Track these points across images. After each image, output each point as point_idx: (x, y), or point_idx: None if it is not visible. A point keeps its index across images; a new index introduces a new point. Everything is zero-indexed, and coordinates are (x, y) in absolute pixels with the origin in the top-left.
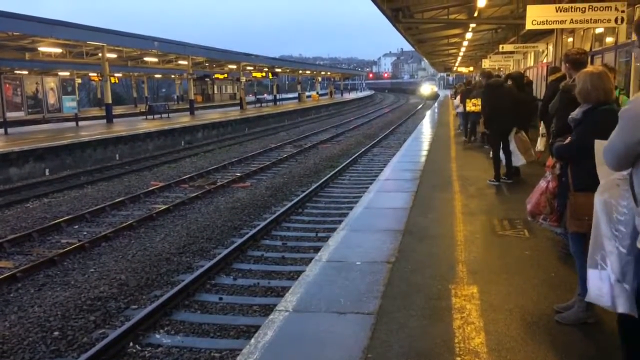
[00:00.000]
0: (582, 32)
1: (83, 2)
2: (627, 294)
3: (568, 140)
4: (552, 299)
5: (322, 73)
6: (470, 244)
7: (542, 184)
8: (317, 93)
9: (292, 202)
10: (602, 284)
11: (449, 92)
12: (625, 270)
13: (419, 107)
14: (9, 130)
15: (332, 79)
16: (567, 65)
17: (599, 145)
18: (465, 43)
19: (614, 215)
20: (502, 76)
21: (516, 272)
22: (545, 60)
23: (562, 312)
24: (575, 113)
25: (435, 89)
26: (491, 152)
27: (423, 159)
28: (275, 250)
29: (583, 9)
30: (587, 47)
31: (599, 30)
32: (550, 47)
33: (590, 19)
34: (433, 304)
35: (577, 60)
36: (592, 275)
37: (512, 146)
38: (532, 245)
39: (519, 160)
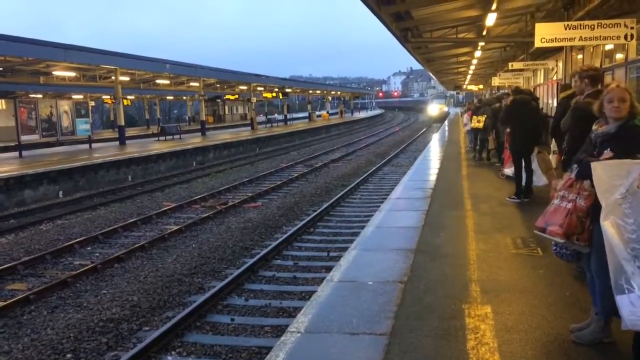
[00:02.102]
0: (591, 49)
1: (100, 25)
2: None
3: (608, 156)
4: (567, 319)
5: (332, 92)
6: (482, 262)
7: (566, 204)
8: (328, 112)
9: (304, 222)
10: (635, 308)
11: (459, 110)
12: None
13: (429, 125)
14: (24, 153)
15: (342, 98)
16: (586, 81)
17: (599, 167)
18: (474, 61)
19: (624, 235)
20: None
21: (530, 291)
22: (555, 78)
23: (578, 332)
24: (609, 127)
25: (445, 108)
26: (502, 170)
27: (434, 177)
28: (286, 270)
29: (592, 26)
30: (597, 64)
31: (609, 47)
32: (560, 64)
33: (600, 36)
34: (446, 324)
35: (596, 77)
36: (622, 301)
37: (535, 165)
38: (546, 263)
39: (540, 180)
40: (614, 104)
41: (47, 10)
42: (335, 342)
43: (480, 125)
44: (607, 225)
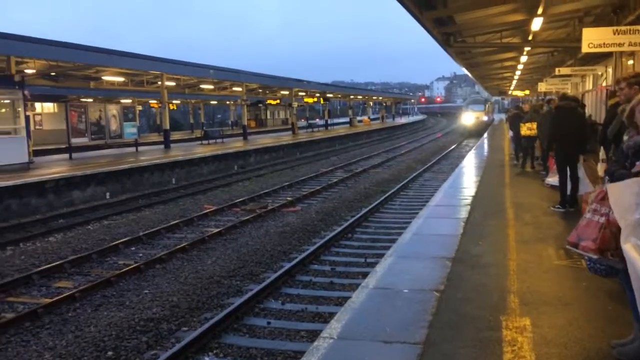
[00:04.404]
0: None
1: (150, 32)
2: None
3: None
4: (609, 334)
5: (374, 98)
6: (523, 273)
7: (599, 218)
8: (369, 117)
9: (342, 227)
10: None
11: (504, 116)
12: None
13: (460, 142)
14: (74, 155)
15: (384, 104)
16: (636, 87)
17: (614, 189)
18: (520, 66)
19: None
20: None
21: (571, 304)
22: (604, 84)
23: (620, 347)
24: (639, 139)
25: (485, 117)
26: (547, 178)
27: (475, 184)
28: (323, 276)
29: None
30: None
31: None
32: (610, 70)
33: None
34: (483, 335)
35: None
36: None
37: (581, 173)
38: (589, 276)
39: (586, 188)
40: None
41: (104, 19)
42: (368, 349)
43: (533, 132)
44: (629, 248)
